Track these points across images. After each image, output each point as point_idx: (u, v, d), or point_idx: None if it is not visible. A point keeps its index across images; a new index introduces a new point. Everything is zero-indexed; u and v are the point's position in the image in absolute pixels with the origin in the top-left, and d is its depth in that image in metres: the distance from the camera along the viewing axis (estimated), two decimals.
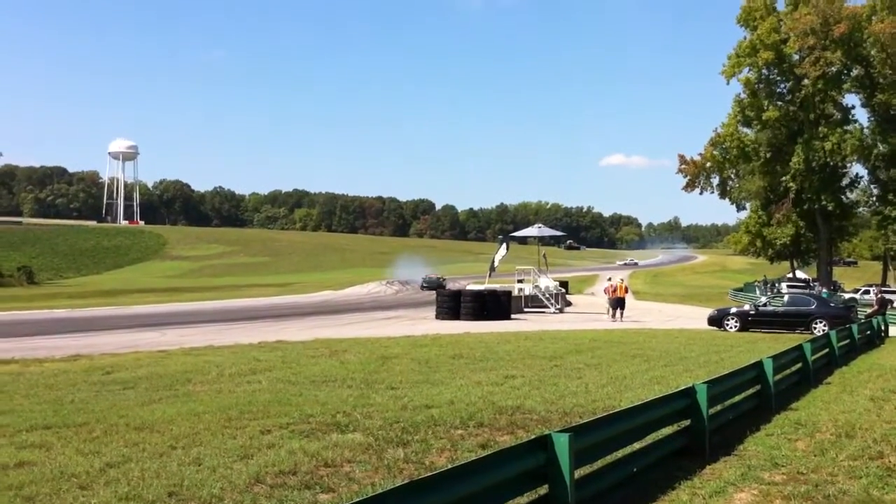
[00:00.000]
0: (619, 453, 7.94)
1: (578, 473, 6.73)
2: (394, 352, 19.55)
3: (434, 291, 42.06)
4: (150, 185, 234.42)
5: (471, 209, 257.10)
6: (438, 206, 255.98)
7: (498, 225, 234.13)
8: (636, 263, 59.21)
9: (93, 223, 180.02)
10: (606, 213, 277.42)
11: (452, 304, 34.89)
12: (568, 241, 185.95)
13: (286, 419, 10.61)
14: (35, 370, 16.18)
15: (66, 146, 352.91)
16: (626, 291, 36.07)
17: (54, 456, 8.69)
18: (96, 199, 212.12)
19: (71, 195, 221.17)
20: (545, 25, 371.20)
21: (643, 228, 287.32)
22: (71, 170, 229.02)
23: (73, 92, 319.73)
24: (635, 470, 7.98)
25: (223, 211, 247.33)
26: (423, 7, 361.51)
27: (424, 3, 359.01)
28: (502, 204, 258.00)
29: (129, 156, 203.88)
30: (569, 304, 44.74)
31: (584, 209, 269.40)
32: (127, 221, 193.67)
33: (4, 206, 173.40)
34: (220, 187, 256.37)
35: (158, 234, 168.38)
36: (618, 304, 34.41)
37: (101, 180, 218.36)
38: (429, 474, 5.50)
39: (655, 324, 32.12)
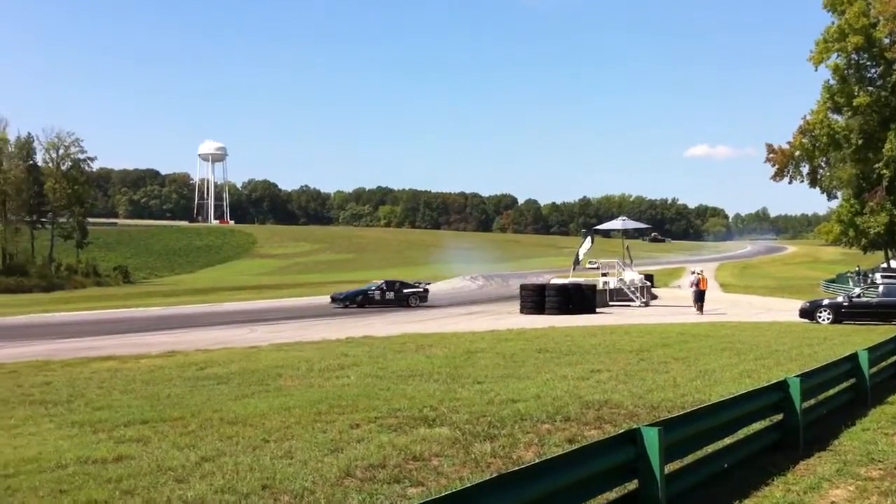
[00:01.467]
0: (710, 448, 7.84)
1: (668, 468, 6.67)
2: (479, 346, 19.60)
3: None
4: (238, 185, 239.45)
5: (553, 203, 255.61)
6: (521, 201, 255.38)
7: (581, 218, 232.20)
8: (597, 267, 56.35)
9: (185, 223, 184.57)
10: (692, 205, 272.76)
11: (537, 299, 34.77)
12: (652, 234, 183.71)
13: (374, 413, 10.76)
14: (132, 366, 16.70)
15: (158, 149, 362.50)
16: (706, 284, 35.48)
17: (151, 450, 8.97)
18: (188, 200, 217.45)
19: (163, 196, 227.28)
20: (625, 14, 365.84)
21: (730, 219, 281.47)
22: (163, 172, 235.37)
23: (164, 96, 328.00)
24: (726, 465, 7.87)
25: (309, 209, 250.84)
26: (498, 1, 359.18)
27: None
28: (585, 197, 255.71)
29: (219, 157, 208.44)
30: (654, 297, 44.13)
31: (669, 201, 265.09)
32: (217, 221, 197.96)
33: (100, 208, 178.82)
34: (306, 186, 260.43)
35: (248, 233, 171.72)
36: (699, 297, 34.01)
37: (191, 181, 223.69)
38: (517, 468, 5.52)
39: (745, 316, 31.45)
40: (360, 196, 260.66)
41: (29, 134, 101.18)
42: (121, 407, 11.73)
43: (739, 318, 30.56)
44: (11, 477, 7.93)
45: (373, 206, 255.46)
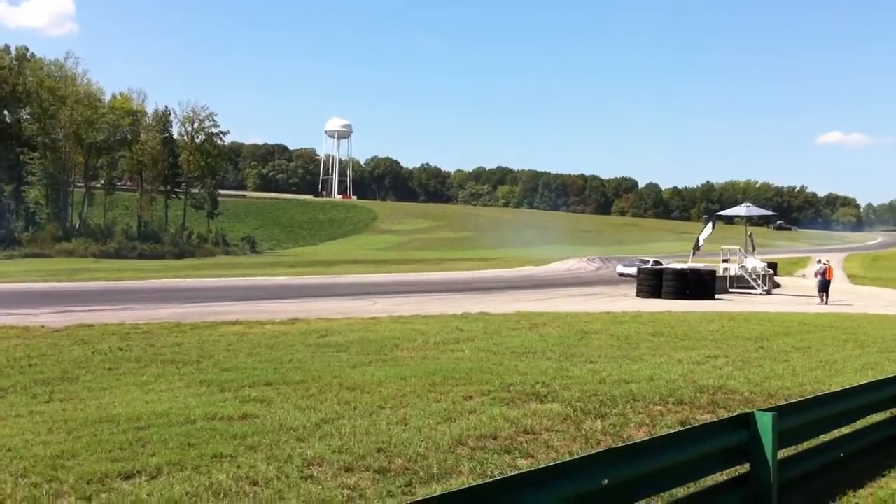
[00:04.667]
0: (826, 437, 7.72)
1: (781, 454, 6.62)
2: (593, 327, 19.56)
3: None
4: (362, 161, 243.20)
5: (675, 187, 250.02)
6: (641, 184, 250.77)
7: (703, 203, 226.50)
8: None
9: (309, 197, 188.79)
10: (821, 193, 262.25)
11: (654, 282, 34.30)
12: (778, 222, 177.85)
13: (487, 387, 10.94)
14: (257, 331, 17.37)
15: (286, 125, 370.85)
16: (832, 275, 34.38)
17: (274, 410, 9.39)
18: (313, 175, 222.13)
19: (290, 171, 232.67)
20: None
21: (861, 210, 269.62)
22: (291, 147, 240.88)
23: (294, 75, 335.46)
24: (843, 455, 7.73)
25: (429, 187, 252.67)
26: None
27: None
28: (708, 182, 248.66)
29: (344, 134, 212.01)
30: (777, 286, 42.93)
31: (797, 188, 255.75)
32: (341, 196, 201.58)
33: (231, 181, 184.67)
34: (427, 164, 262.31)
35: (369, 209, 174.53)
36: (824, 287, 32.98)
37: (317, 157, 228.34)
38: (627, 443, 5.60)
39: (872, 308, 30.20)
40: (479, 175, 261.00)
41: (166, 107, 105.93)
42: (246, 369, 12.28)
43: (866, 310, 29.42)
44: (143, 429, 8.42)
45: (492, 185, 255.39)
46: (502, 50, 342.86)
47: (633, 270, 46.69)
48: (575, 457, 5.81)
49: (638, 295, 34.13)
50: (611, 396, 10.37)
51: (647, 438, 5.73)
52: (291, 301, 27.78)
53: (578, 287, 41.71)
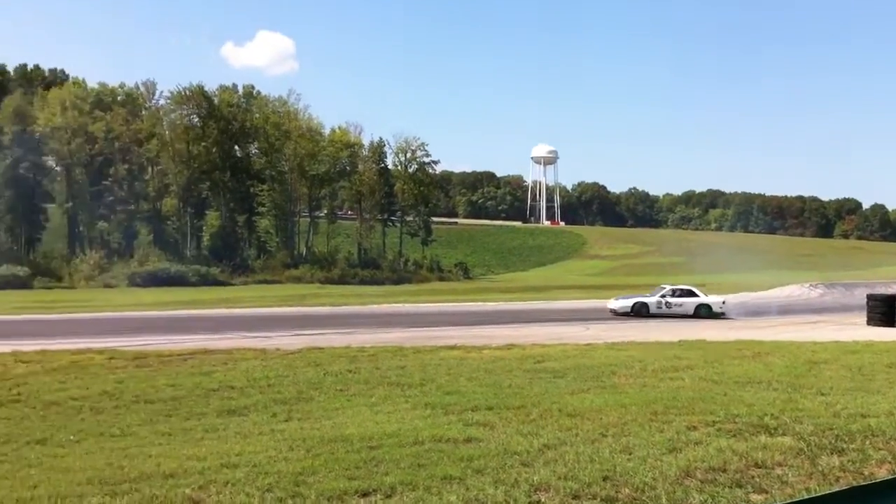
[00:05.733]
0: None
1: None
2: (821, 357, 18.56)
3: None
4: (569, 187, 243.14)
5: None
6: (866, 205, 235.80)
7: None
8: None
9: (518, 223, 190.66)
10: None
11: (886, 310, 32.10)
12: None
13: (711, 417, 10.66)
14: (475, 356, 17.77)
15: (494, 153, 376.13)
16: None
17: (497, 434, 9.59)
18: (521, 202, 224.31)
19: (498, 198, 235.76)
20: None
21: None
22: (498, 174, 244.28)
23: (502, 103, 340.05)
24: None
25: (637, 212, 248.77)
26: None
27: None
28: None
29: (550, 160, 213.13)
30: None
31: None
32: (549, 222, 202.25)
33: (442, 209, 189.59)
34: (634, 188, 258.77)
35: (578, 234, 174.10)
36: None
37: (524, 184, 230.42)
38: (872, 481, 5.33)
39: None
40: (689, 199, 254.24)
41: (381, 139, 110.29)
42: (467, 392, 12.61)
43: None
44: (375, 449, 8.85)
45: (703, 209, 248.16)
46: (700, 69, 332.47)
47: (627, 303, 37.06)
48: (814, 494, 5.59)
49: (869, 323, 32.03)
50: (847, 431, 9.83)
51: (893, 476, 5.42)
52: (505, 326, 28.18)
53: (801, 314, 39.65)
